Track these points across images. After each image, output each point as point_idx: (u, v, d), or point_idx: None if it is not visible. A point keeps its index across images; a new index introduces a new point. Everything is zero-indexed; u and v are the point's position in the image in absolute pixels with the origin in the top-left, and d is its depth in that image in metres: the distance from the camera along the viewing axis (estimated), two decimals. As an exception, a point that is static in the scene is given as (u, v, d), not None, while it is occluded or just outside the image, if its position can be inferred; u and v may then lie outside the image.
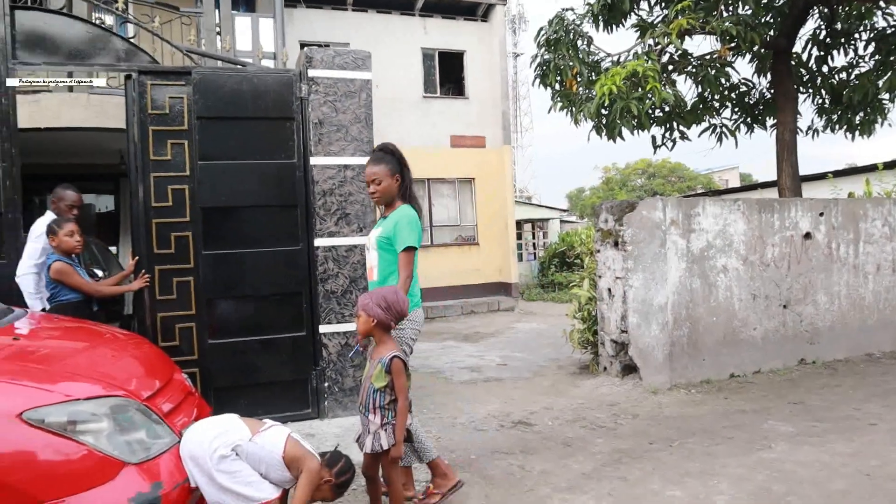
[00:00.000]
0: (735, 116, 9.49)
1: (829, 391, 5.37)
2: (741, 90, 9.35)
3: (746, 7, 7.75)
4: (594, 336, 6.29)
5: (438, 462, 3.38)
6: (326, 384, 4.82)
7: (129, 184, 4.60)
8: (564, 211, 30.08)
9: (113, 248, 10.71)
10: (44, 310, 4.12)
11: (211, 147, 4.65)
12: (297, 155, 4.86)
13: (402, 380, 2.90)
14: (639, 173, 40.99)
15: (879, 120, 8.67)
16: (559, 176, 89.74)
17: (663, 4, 8.65)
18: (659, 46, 7.59)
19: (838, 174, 11.80)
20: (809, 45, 8.79)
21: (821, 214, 6.44)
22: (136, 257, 4.51)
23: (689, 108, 8.99)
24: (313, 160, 4.84)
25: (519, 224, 18.91)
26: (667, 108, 8.77)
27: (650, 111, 7.80)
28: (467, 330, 10.67)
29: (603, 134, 8.15)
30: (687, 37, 7.55)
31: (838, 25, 8.56)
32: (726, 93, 9.22)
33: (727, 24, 7.07)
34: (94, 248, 7.00)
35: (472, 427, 4.80)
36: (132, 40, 4.76)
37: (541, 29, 8.27)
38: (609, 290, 5.86)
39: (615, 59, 8.44)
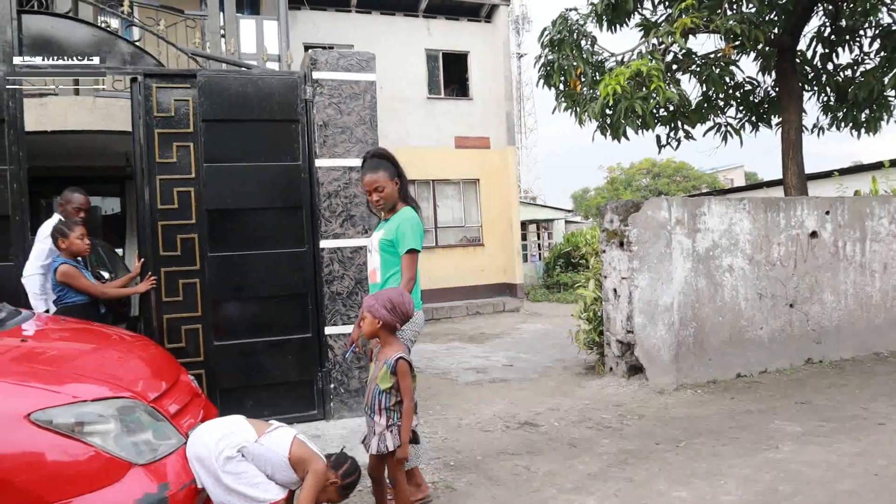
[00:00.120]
0: (740, 115, 9.46)
1: (836, 391, 5.35)
2: (746, 89, 9.32)
3: (750, 5, 7.74)
4: (600, 336, 6.28)
5: (416, 471, 3.37)
6: (332, 385, 4.82)
7: (135, 186, 4.62)
8: (569, 211, 30.02)
9: (119, 251, 10.75)
10: (47, 311, 4.14)
11: (216, 149, 4.66)
12: (302, 157, 4.87)
13: (407, 381, 2.90)
14: (643, 173, 40.92)
15: (885, 117, 8.63)
16: (564, 176, 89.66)
17: (667, 3, 8.63)
18: (663, 46, 7.57)
19: (844, 172, 11.77)
20: (814, 43, 8.76)
21: (827, 213, 6.41)
22: (142, 259, 4.53)
23: (693, 107, 8.97)
24: (318, 162, 4.85)
25: (524, 225, 18.90)
26: (671, 108, 8.75)
27: (654, 111, 7.79)
28: (473, 331, 10.67)
29: (607, 134, 8.15)
30: (691, 36, 7.53)
31: (843, 22, 8.52)
32: (731, 91, 9.19)
33: (731, 22, 7.05)
34: (100, 250, 7.02)
35: (477, 428, 4.79)
36: (137, 43, 4.77)
37: (544, 29, 8.27)
38: (615, 290, 5.85)
39: (619, 58, 8.43)
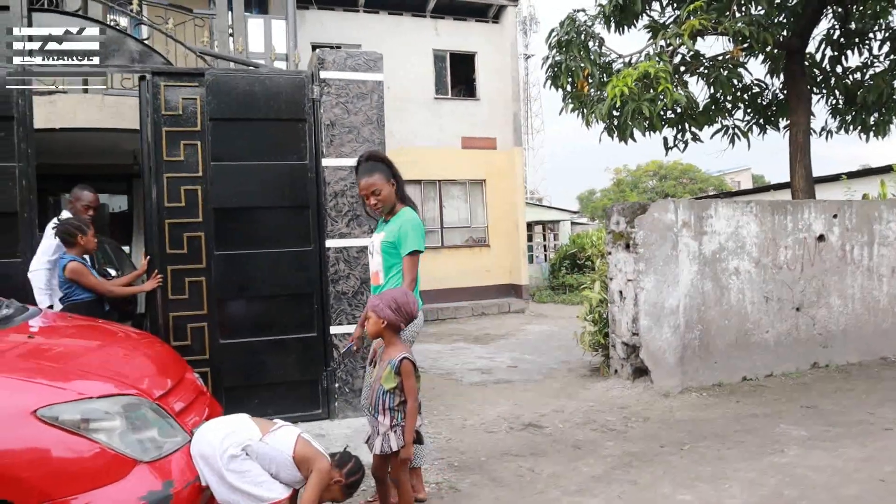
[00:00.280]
0: (748, 118, 9.42)
1: (843, 395, 5.32)
2: (754, 91, 9.28)
3: (759, 7, 7.70)
4: (605, 338, 6.27)
5: (418, 473, 3.37)
6: (337, 385, 4.83)
7: (143, 184, 4.65)
8: (575, 213, 30.01)
9: (126, 248, 10.80)
10: (51, 307, 4.16)
11: (223, 148, 4.68)
12: (308, 156, 4.88)
13: (411, 381, 2.90)
14: (650, 175, 40.79)
15: (894, 120, 8.58)
16: (570, 178, 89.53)
17: (675, 5, 8.61)
18: (671, 47, 7.55)
19: (852, 175, 11.70)
20: (823, 46, 8.71)
21: (834, 216, 6.38)
22: (149, 256, 4.55)
23: (701, 109, 8.94)
24: (325, 161, 4.86)
25: (529, 226, 18.89)
26: (679, 110, 8.72)
27: (662, 112, 7.76)
28: (477, 331, 10.67)
29: (614, 135, 8.13)
30: (699, 38, 7.51)
31: (852, 25, 8.48)
32: (739, 94, 9.16)
33: (740, 24, 7.02)
34: (106, 247, 7.06)
35: (481, 429, 4.79)
36: (146, 42, 4.79)
37: (552, 30, 8.26)
38: (620, 292, 5.84)
39: (627, 60, 8.41)
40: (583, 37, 8.06)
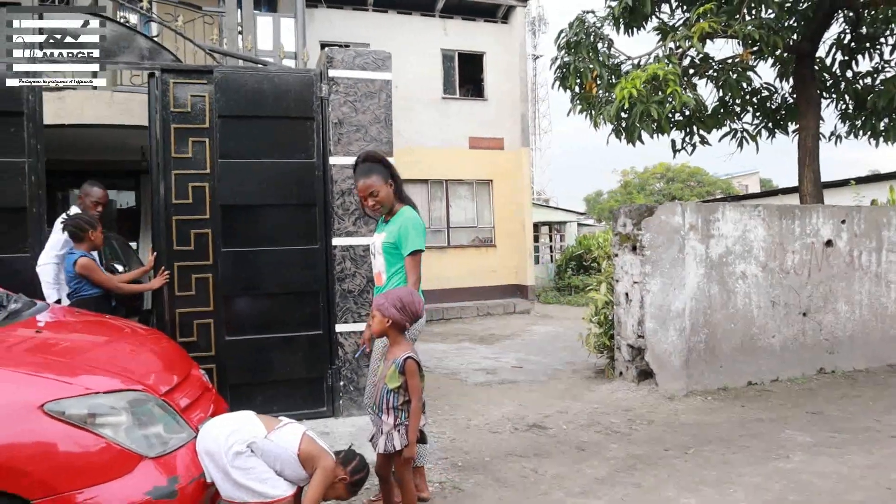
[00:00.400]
0: (756, 121, 9.38)
1: (849, 401, 5.29)
2: (763, 95, 9.24)
3: (769, 11, 7.66)
4: (610, 340, 6.26)
5: (421, 472, 3.37)
6: (342, 383, 4.84)
7: (151, 180, 4.66)
8: (582, 214, 29.93)
9: (133, 244, 10.84)
10: (59, 301, 4.18)
11: (231, 145, 4.69)
12: (316, 154, 4.89)
13: (415, 381, 2.90)
14: (657, 177, 40.68)
15: (904, 126, 8.52)
16: (577, 179, 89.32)
17: (685, 7, 8.58)
18: (680, 50, 7.52)
19: (861, 181, 11.64)
20: (833, 50, 8.66)
21: (843, 222, 6.35)
22: (156, 252, 4.57)
23: (709, 112, 8.90)
24: (332, 160, 4.87)
25: (536, 226, 18.86)
26: (687, 112, 8.68)
27: (670, 115, 7.73)
28: (483, 332, 10.66)
29: (622, 137, 8.10)
30: (708, 40, 7.48)
31: (863, 29, 8.42)
32: (748, 97, 9.12)
33: (749, 27, 6.99)
34: (114, 243, 7.09)
35: (486, 429, 4.79)
36: (156, 39, 4.81)
37: (561, 31, 8.25)
38: (626, 294, 5.82)
39: (636, 62, 8.39)
40: (592, 38, 8.05)
